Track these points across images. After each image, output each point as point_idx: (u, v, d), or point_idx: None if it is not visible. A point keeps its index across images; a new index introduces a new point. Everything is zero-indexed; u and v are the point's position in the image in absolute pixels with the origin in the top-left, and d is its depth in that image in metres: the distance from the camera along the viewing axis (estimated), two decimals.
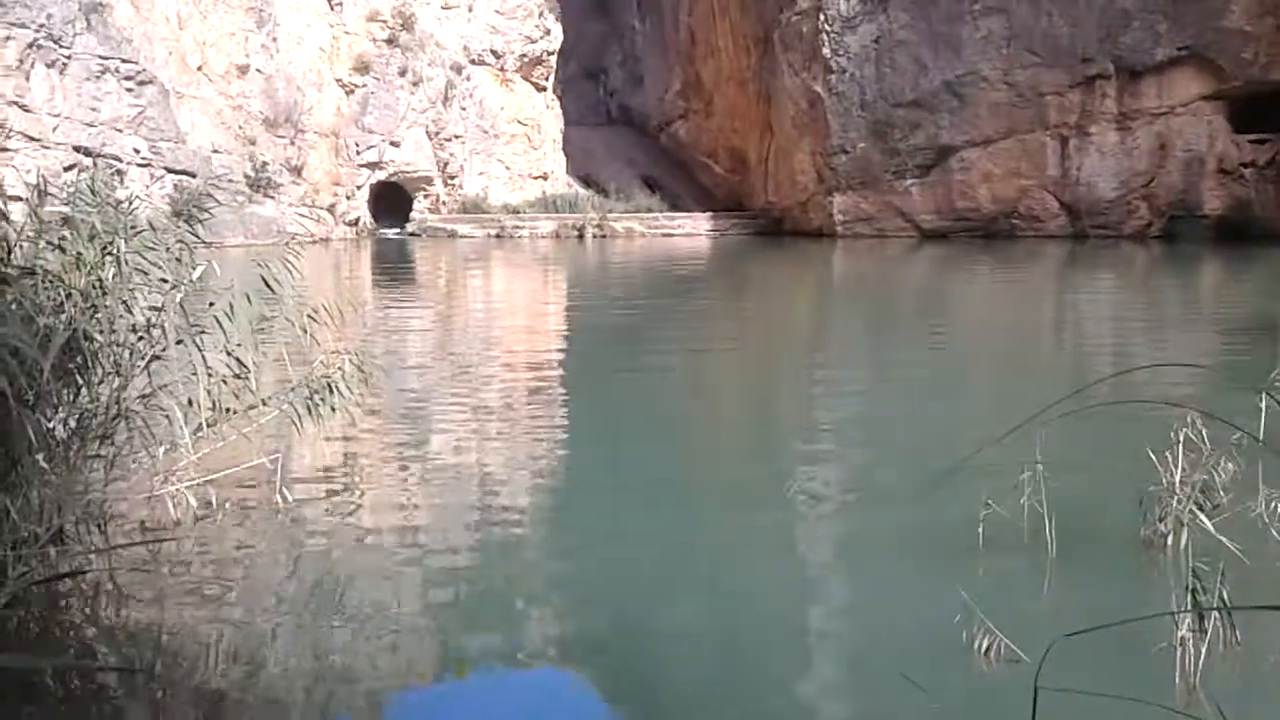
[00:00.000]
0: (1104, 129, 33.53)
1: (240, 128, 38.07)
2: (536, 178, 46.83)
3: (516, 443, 8.76)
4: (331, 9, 41.33)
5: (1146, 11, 32.43)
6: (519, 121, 46.39)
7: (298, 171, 39.35)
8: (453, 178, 43.72)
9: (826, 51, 36.58)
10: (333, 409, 6.97)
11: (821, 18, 36.63)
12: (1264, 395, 8.15)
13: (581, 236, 41.73)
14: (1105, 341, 15.32)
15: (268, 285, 7.25)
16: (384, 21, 42.15)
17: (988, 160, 35.10)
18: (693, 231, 42.47)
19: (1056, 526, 5.78)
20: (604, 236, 41.69)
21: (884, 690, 4.54)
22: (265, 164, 38.03)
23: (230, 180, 36.48)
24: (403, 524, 6.54)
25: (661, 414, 10.32)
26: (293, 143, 39.36)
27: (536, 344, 15.38)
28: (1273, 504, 5.71)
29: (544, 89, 47.82)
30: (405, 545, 6.14)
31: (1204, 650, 4.41)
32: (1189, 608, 4.47)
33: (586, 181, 48.03)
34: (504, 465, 8.05)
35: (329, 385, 6.94)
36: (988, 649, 4.54)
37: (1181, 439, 6.57)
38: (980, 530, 5.71)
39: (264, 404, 6.98)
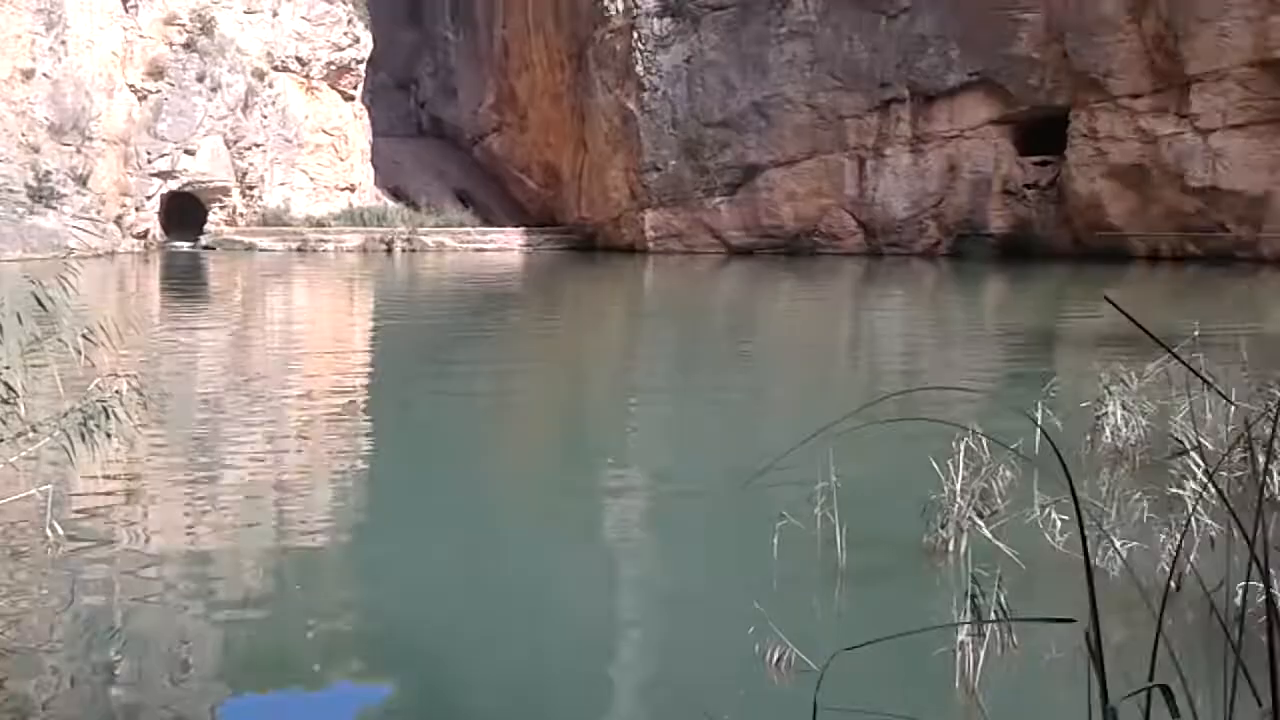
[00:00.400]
0: (898, 151, 35.16)
1: (23, 135, 35.77)
2: (343, 189, 45.72)
3: (312, 470, 8.49)
4: (126, 11, 39.36)
5: (941, 38, 34.13)
6: (324, 131, 45.21)
7: (83, 181, 37.22)
8: (252, 188, 42.21)
9: (639, 69, 37.12)
10: (109, 436, 6.59)
11: (635, 36, 37.15)
12: (1039, 407, 8.70)
13: (390, 251, 40.96)
14: (898, 355, 16.02)
15: (40, 303, 6.81)
16: (182, 25, 40.40)
17: (792, 180, 36.28)
18: (505, 246, 42.30)
19: (847, 536, 5.98)
20: (414, 251, 41.05)
21: (677, 712, 4.58)
22: (48, 173, 35.83)
23: (10, 190, 34.20)
24: (185, 555, 6.23)
25: (468, 435, 10.19)
26: (79, 151, 37.22)
27: (337, 365, 14.95)
28: (1046, 509, 6.06)
29: (352, 98, 46.78)
30: (187, 578, 5.85)
31: (983, 654, 4.62)
32: (968, 615, 4.68)
33: (396, 194, 47.18)
34: (298, 493, 7.77)
35: (105, 411, 6.56)
36: (779, 660, 4.64)
37: (962, 449, 6.91)
38: (775, 541, 5.85)
39: (34, 431, 6.54)
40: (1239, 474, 7.51)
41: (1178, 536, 5.63)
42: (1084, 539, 1.72)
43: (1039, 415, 8.36)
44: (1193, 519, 5.85)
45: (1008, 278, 28.27)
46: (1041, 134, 33.12)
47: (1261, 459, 7.84)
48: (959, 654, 4.63)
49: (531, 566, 6.18)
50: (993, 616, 4.57)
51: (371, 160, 47.75)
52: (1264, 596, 4.72)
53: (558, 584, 5.94)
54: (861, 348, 17.63)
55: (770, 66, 35.94)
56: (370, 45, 47.08)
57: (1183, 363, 1.92)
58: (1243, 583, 5.19)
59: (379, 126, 49.37)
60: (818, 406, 11.06)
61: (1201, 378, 2.18)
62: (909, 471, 7.25)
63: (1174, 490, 6.11)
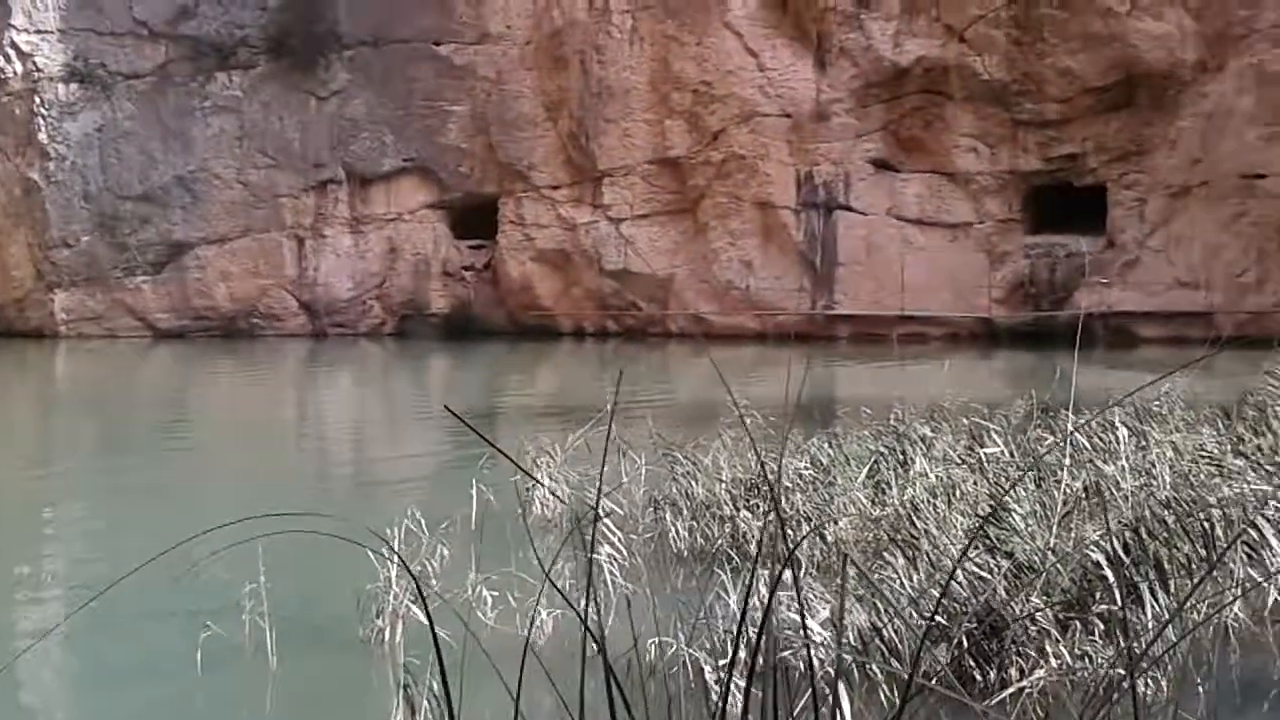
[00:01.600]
0: (339, 232, 35.14)
1: None
2: None
3: None
4: None
5: (373, 123, 34.79)
6: None
7: None
8: None
9: (43, 137, 33.90)
10: None
11: (37, 101, 33.91)
12: (474, 483, 9.01)
13: None
14: (347, 439, 15.86)
15: None
16: None
17: (225, 259, 34.87)
18: None
19: (278, 637, 5.74)
20: None
21: None
22: None
23: None
24: None
25: None
26: None
27: None
28: (477, 588, 6.24)
29: None
30: None
31: None
32: (401, 706, 4.66)
33: None
34: None
35: None
36: None
37: (400, 533, 6.95)
38: (199, 655, 5.46)
39: None
40: (648, 535, 8.30)
41: (596, 600, 6.06)
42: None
43: (474, 493, 8.70)
44: (609, 581, 6.34)
45: (451, 356, 29.23)
46: (475, 218, 34.85)
47: (669, 516, 8.74)
48: None
49: None
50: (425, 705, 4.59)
51: None
52: (674, 649, 5.17)
53: None
54: (309, 432, 17.23)
55: (195, 140, 34.43)
56: None
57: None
58: (654, 638, 5.71)
59: None
60: (257, 498, 10.58)
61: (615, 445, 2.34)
62: (348, 561, 7.14)
63: (595, 555, 6.58)
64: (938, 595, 5.49)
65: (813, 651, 4.83)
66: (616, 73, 31.48)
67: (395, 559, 6.30)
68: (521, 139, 33.49)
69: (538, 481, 8.82)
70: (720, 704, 2.58)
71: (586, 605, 2.47)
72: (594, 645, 2.43)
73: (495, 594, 6.17)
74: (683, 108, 30.38)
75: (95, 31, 34.67)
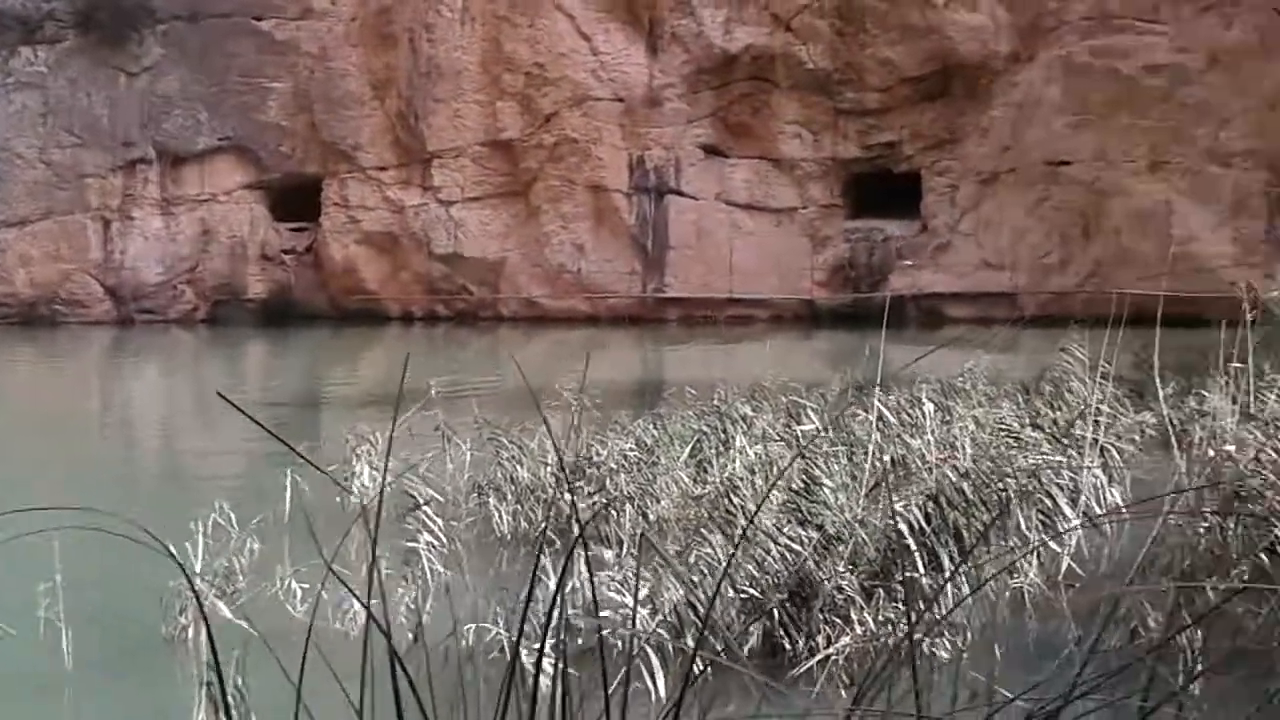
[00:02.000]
0: (148, 213, 33.63)
1: None
2: None
3: None
4: None
5: (187, 100, 33.42)
6: None
7: None
8: None
9: None
10: None
11: None
12: (289, 474, 8.77)
13: None
14: (154, 429, 15.22)
15: None
16: None
17: (26, 242, 33.09)
18: None
19: (75, 640, 5.48)
20: None
21: None
22: None
23: None
24: None
25: None
26: None
27: None
28: (287, 580, 6.08)
29: None
30: None
31: None
32: (203, 704, 4.51)
33: None
34: None
35: None
36: None
37: (209, 526, 6.72)
38: None
39: None
40: (471, 519, 8.25)
41: (415, 589, 5.99)
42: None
43: (289, 482, 8.47)
44: (427, 568, 6.27)
45: (270, 343, 28.36)
46: (297, 200, 33.85)
47: (493, 501, 8.71)
48: None
49: None
50: (230, 700, 4.45)
51: None
52: (493, 634, 5.15)
53: None
54: (112, 423, 16.45)
55: None
56: None
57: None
58: (471, 624, 5.69)
59: None
60: (55, 491, 10.03)
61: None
62: (151, 559, 6.85)
63: (410, 543, 6.50)
64: (752, 570, 5.64)
65: (626, 629, 4.89)
66: (447, 52, 31.00)
67: (198, 555, 6.09)
68: (347, 118, 32.67)
69: (337, 482, 8.66)
70: (533, 684, 2.59)
71: (370, 591, 2.44)
72: (382, 631, 2.41)
73: (305, 586, 6.02)
74: (515, 89, 30.16)
75: None
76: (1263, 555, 6.09)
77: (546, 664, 3.53)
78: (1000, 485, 6.50)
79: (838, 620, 5.30)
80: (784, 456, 7.75)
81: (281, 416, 15.73)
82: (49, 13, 33.17)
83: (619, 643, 5.20)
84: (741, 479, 7.21)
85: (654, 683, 4.84)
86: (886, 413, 7.79)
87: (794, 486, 6.59)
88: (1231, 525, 6.27)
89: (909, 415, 8.48)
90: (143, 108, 33.48)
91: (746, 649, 5.27)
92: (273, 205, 34.31)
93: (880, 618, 5.27)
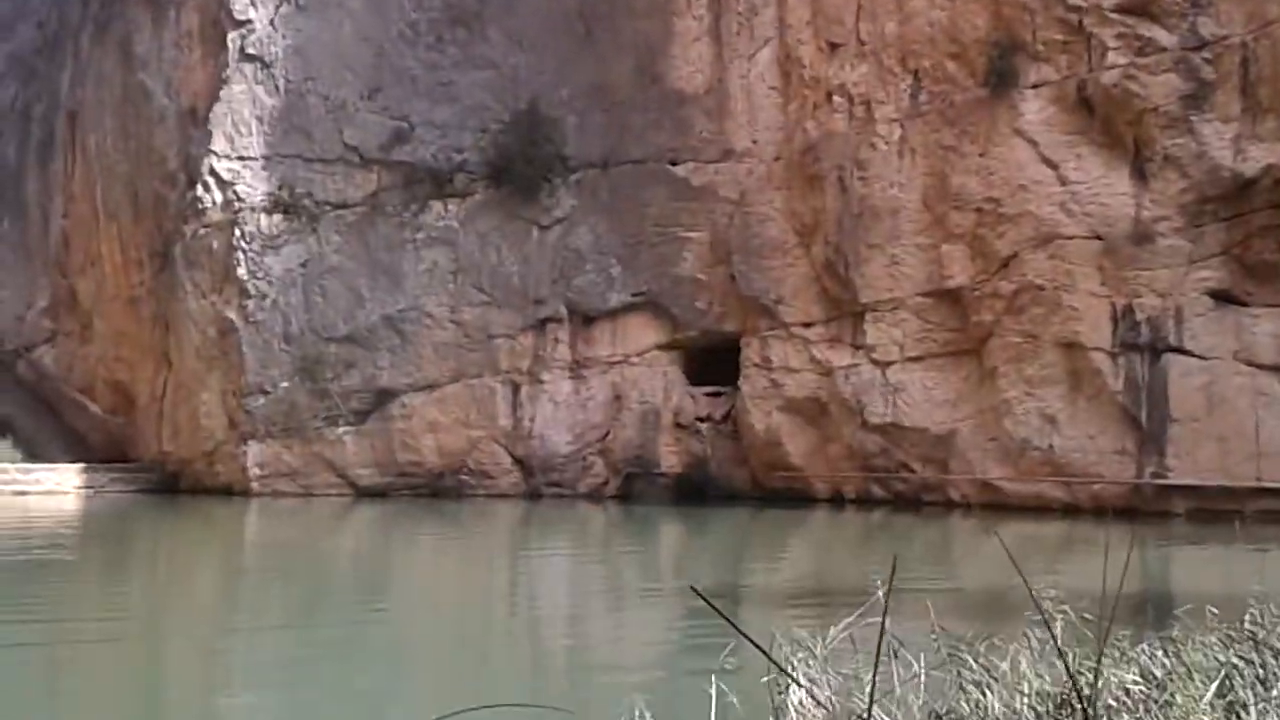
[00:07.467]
0: (557, 376, 36.35)
1: None
2: None
3: None
4: None
5: (599, 254, 36.10)
6: None
7: None
8: None
9: (243, 273, 36.71)
10: None
11: (236, 233, 36.84)
12: (713, 679, 9.03)
13: None
14: (562, 618, 16.21)
15: None
16: None
17: (433, 407, 36.47)
18: (56, 489, 39.62)
19: None
20: None
21: None
22: None
23: None
24: None
25: None
26: None
27: None
28: None
29: None
30: None
31: None
32: None
33: None
34: None
35: None
36: None
37: None
38: None
39: None
40: None
41: None
42: None
43: (713, 691, 8.70)
44: None
45: (685, 523, 29.42)
46: (713, 362, 35.31)
47: None
48: None
49: None
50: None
51: None
52: None
53: None
54: (519, 610, 17.72)
55: (405, 275, 36.51)
56: None
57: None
58: None
59: None
60: (462, 679, 10.96)
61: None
62: None
63: None
64: None
65: None
66: (882, 190, 31.67)
67: None
68: (768, 269, 33.97)
69: (795, 680, 8.76)
70: None
71: None
72: None
73: None
74: (963, 229, 30.28)
75: (302, 158, 37.49)
76: None
77: None
78: None
79: None
80: None
81: (696, 610, 16.27)
82: (460, 164, 37.09)
83: None
84: None
85: None
86: None
87: None
88: None
89: None
90: (554, 263, 36.43)
91: None
92: (687, 367, 36.06)
93: None
